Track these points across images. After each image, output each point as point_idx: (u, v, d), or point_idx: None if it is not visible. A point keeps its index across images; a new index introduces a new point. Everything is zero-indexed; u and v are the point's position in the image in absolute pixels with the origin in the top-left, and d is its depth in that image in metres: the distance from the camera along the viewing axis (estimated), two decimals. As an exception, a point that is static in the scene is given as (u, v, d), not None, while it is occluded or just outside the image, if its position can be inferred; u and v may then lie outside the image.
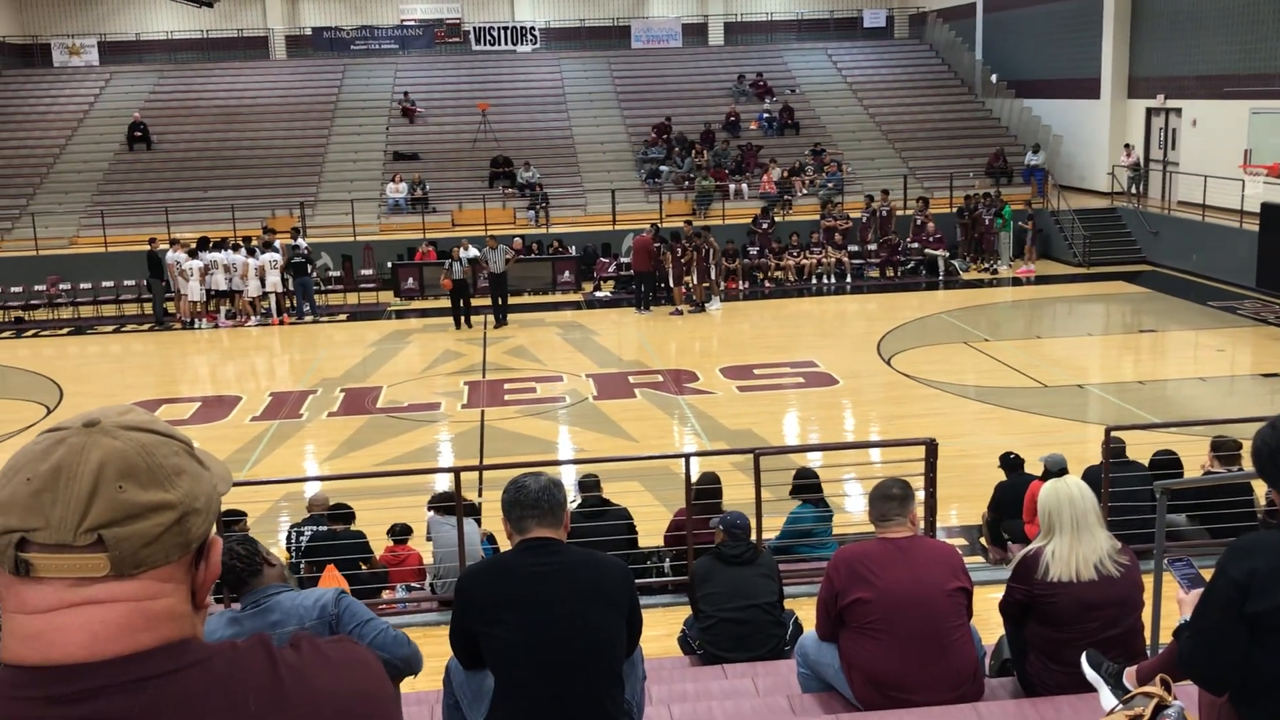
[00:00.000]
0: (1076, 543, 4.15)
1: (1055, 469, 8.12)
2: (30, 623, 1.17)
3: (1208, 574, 2.93)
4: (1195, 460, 8.81)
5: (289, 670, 1.24)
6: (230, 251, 20.97)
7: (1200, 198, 21.59)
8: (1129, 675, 3.69)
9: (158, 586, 1.21)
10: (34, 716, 1.15)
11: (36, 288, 22.12)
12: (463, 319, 19.80)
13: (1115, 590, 4.18)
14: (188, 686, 1.19)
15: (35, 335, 20.75)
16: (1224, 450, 8.24)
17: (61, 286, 22.22)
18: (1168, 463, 8.65)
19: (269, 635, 1.28)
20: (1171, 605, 4.56)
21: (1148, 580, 4.41)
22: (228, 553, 3.95)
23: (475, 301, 20.17)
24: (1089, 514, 4.17)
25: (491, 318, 20.00)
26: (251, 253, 20.83)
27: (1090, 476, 7.95)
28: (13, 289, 22.17)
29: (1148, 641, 4.64)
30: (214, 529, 1.28)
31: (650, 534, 8.80)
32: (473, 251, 19.96)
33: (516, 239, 21.98)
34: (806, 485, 8.62)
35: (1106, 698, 3.73)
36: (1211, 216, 21.34)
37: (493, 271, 19.75)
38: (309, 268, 21.24)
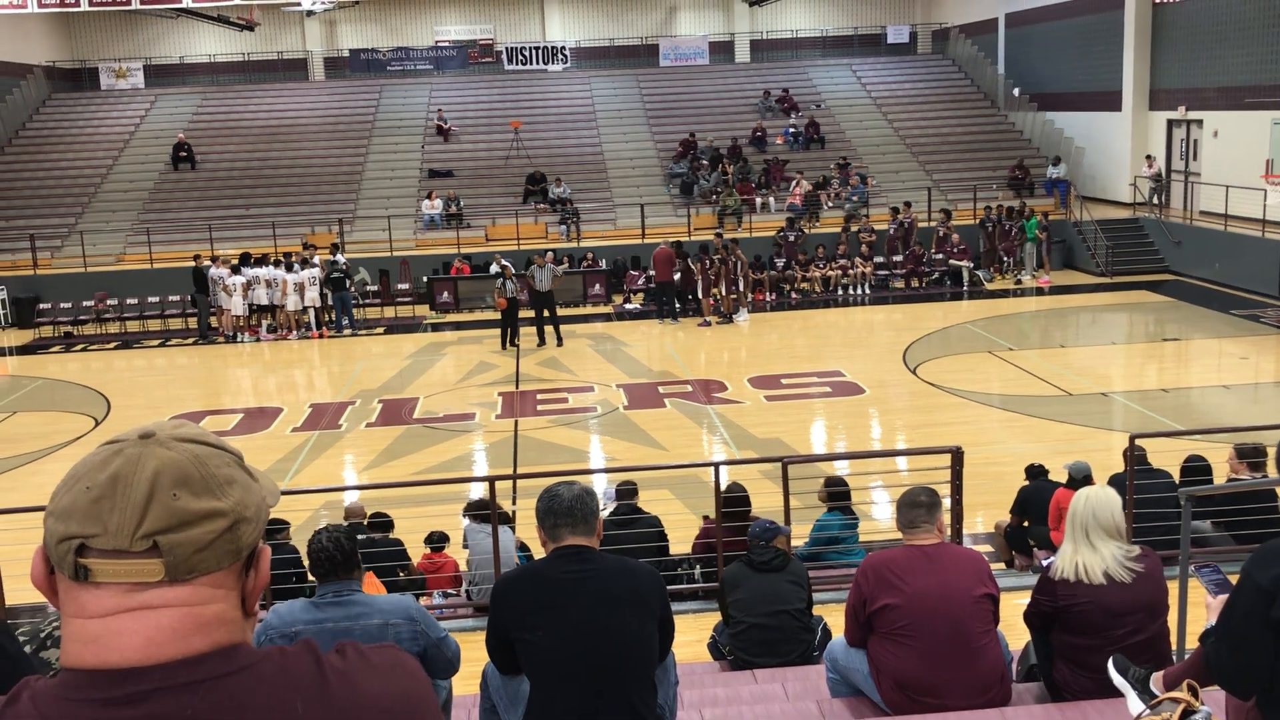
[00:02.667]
0: (1085, 550, 4.25)
1: (1079, 476, 8.23)
2: (89, 627, 1.21)
3: (1234, 579, 2.94)
4: (1219, 468, 8.75)
5: (335, 674, 1.27)
6: (271, 267, 21.37)
7: (1222, 208, 21.58)
8: (1156, 680, 3.68)
9: (209, 592, 1.24)
10: (91, 718, 1.18)
11: (85, 304, 22.54)
12: (511, 336, 19.45)
13: (1139, 596, 4.19)
14: (238, 689, 1.22)
15: (84, 350, 21.10)
16: (1250, 457, 8.20)
17: (109, 302, 22.68)
18: (1199, 469, 8.57)
19: (314, 642, 1.32)
20: (1197, 611, 4.70)
21: (1173, 586, 4.43)
22: (333, 541, 4.15)
23: (521, 314, 19.86)
24: (1094, 525, 4.24)
25: (530, 330, 19.70)
26: (290, 268, 21.17)
27: (1115, 484, 7.89)
28: (62, 305, 22.61)
29: (1174, 647, 4.63)
30: (262, 539, 1.32)
31: (680, 541, 8.83)
32: (501, 265, 19.96)
33: (549, 253, 22.34)
34: (836, 493, 8.75)
35: (1134, 703, 3.72)
36: (1234, 226, 21.31)
37: (539, 290, 19.54)
38: (347, 282, 21.57)
